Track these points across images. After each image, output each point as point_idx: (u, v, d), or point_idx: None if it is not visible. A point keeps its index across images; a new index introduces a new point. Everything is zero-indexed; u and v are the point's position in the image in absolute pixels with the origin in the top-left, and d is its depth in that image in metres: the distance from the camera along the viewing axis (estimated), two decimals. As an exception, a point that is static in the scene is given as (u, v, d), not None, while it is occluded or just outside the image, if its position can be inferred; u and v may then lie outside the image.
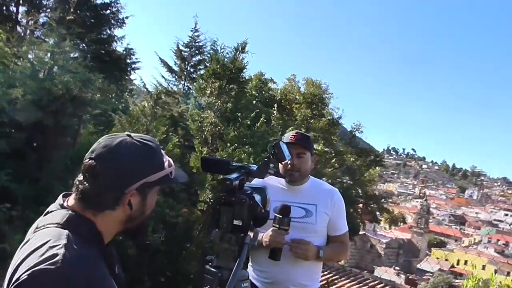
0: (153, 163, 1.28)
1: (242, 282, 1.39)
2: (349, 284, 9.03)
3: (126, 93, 16.26)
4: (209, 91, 8.80)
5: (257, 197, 1.47)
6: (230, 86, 8.64)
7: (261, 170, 1.56)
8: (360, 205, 28.84)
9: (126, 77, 14.99)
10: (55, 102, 5.57)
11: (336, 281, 9.10)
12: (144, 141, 1.28)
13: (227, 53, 10.48)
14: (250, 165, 1.53)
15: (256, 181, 2.73)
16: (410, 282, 32.29)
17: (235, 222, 1.39)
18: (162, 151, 1.33)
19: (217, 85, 8.46)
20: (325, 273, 9.26)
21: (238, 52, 10.65)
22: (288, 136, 2.63)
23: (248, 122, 6.74)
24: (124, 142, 1.24)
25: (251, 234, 1.42)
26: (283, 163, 2.62)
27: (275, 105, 14.23)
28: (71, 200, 1.25)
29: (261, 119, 7.06)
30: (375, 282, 9.55)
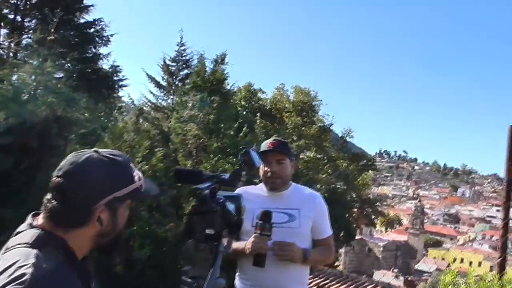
0: (121, 177, 1.27)
1: (219, 291, 1.39)
2: (345, 289, 9.01)
3: (115, 110, 16.24)
4: (190, 104, 8.85)
5: (231, 206, 1.48)
6: (212, 97, 8.70)
7: (233, 178, 1.57)
8: (355, 210, 28.85)
9: (114, 95, 14.94)
10: (40, 123, 5.52)
11: (330, 287, 9.06)
12: (112, 156, 1.28)
13: (207, 65, 10.60)
14: (222, 174, 1.55)
15: (237, 190, 2.75)
16: (409, 284, 32.29)
17: (208, 231, 1.39)
18: (132, 165, 1.33)
19: (198, 98, 8.52)
20: (316, 278, 9.21)
21: (218, 64, 10.75)
22: (267, 143, 2.63)
23: (232, 133, 6.77)
24: (91, 158, 1.24)
25: (225, 242, 1.43)
26: (263, 170, 2.64)
27: (258, 114, 14.28)
28: (40, 219, 1.24)
29: (244, 128, 7.08)
30: (371, 286, 9.52)
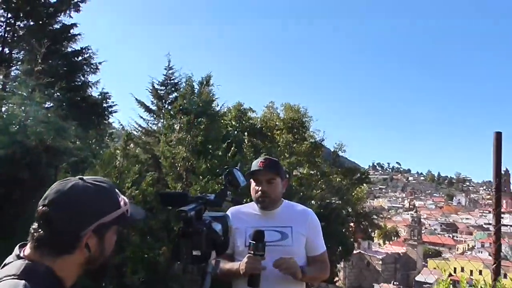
0: (107, 203, 1.28)
1: (208, 311, 1.40)
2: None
3: (107, 137, 16.25)
4: (178, 127, 8.91)
5: (217, 226, 1.49)
6: (199, 119, 8.76)
7: (218, 199, 1.58)
8: (352, 224, 28.81)
9: (105, 121, 14.97)
10: (29, 154, 5.52)
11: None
12: (97, 183, 1.29)
13: (195, 87, 10.72)
14: (207, 195, 1.57)
15: (229, 210, 2.75)
16: (410, 296, 32.07)
17: (195, 252, 1.40)
18: (117, 191, 1.35)
19: (185, 120, 8.57)
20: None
21: (204, 86, 10.86)
22: (257, 163, 2.63)
23: (220, 153, 6.81)
24: (76, 185, 1.25)
25: (213, 262, 1.44)
26: (254, 189, 2.65)
27: (246, 133, 14.38)
28: (27, 250, 1.24)
29: (232, 148, 7.13)
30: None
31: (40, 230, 1.22)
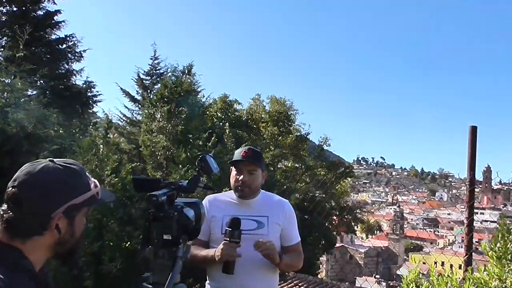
0: (77, 185, 1.29)
1: (178, 296, 1.41)
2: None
3: (90, 126, 16.13)
4: (159, 116, 8.87)
5: (190, 212, 1.51)
6: (180, 108, 8.72)
7: (191, 185, 1.60)
8: (335, 218, 29.03)
9: (89, 111, 14.82)
10: (10, 141, 5.45)
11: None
12: (67, 165, 1.30)
13: (177, 76, 10.68)
14: (180, 181, 1.58)
15: (208, 197, 2.78)
16: (391, 289, 32.52)
17: (165, 236, 1.42)
18: (87, 173, 1.36)
19: (166, 109, 8.53)
20: (291, 284, 9.23)
21: (185, 75, 10.81)
22: (240, 152, 2.66)
23: (200, 143, 6.80)
24: (46, 167, 1.26)
25: (183, 247, 1.45)
26: (234, 177, 2.67)
27: (227, 124, 14.37)
28: None
29: (213, 138, 7.13)
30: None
31: (9, 211, 1.22)
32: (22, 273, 1.20)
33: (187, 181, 1.59)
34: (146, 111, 9.96)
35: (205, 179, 1.72)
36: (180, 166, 5.14)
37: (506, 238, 2.38)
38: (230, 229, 2.37)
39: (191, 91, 9.69)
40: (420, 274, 2.62)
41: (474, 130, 3.59)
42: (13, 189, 1.23)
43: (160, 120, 8.53)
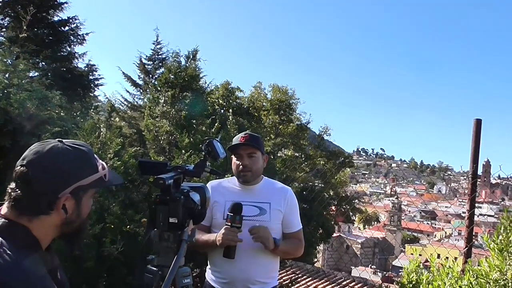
0: (85, 166, 1.30)
1: (183, 279, 1.42)
2: (322, 285, 9.10)
3: (92, 110, 16.10)
4: (162, 100, 8.86)
5: (196, 196, 1.51)
6: (184, 94, 8.70)
7: (197, 169, 1.60)
8: (333, 207, 29.13)
9: (91, 94, 14.77)
10: (12, 121, 5.43)
11: (304, 281, 9.15)
12: (76, 146, 1.30)
13: (178, 62, 10.65)
14: (187, 165, 1.58)
15: (211, 183, 2.78)
16: (387, 280, 32.74)
17: (171, 220, 1.43)
18: (95, 155, 1.36)
19: (170, 94, 8.50)
20: (293, 275, 9.30)
21: (190, 60, 10.76)
22: (238, 137, 2.68)
23: (203, 128, 6.79)
24: (55, 147, 1.26)
25: (189, 231, 1.46)
26: (235, 163, 2.68)
27: (230, 111, 14.34)
28: (4, 209, 1.26)
29: (216, 124, 7.12)
30: (347, 281, 9.65)
31: (17, 190, 1.23)
32: (30, 250, 1.21)
33: (192, 165, 1.59)
34: (150, 95, 9.93)
35: (210, 163, 1.72)
36: (183, 151, 5.13)
37: (508, 231, 2.39)
38: (232, 214, 2.38)
39: (195, 76, 9.64)
40: (421, 265, 2.63)
41: (478, 123, 3.58)
42: (21, 168, 1.23)
43: (164, 104, 8.51)
